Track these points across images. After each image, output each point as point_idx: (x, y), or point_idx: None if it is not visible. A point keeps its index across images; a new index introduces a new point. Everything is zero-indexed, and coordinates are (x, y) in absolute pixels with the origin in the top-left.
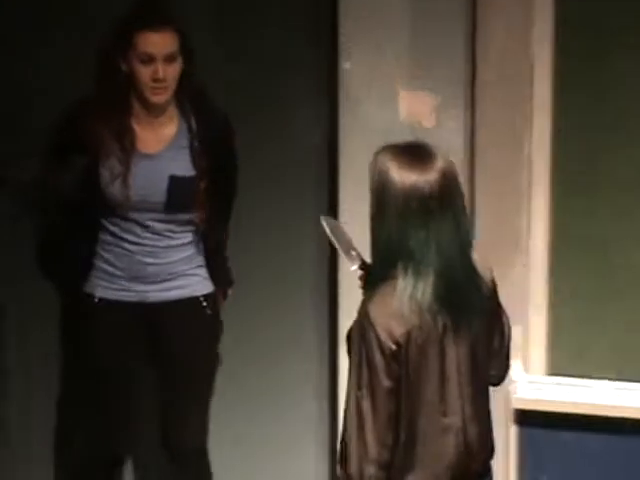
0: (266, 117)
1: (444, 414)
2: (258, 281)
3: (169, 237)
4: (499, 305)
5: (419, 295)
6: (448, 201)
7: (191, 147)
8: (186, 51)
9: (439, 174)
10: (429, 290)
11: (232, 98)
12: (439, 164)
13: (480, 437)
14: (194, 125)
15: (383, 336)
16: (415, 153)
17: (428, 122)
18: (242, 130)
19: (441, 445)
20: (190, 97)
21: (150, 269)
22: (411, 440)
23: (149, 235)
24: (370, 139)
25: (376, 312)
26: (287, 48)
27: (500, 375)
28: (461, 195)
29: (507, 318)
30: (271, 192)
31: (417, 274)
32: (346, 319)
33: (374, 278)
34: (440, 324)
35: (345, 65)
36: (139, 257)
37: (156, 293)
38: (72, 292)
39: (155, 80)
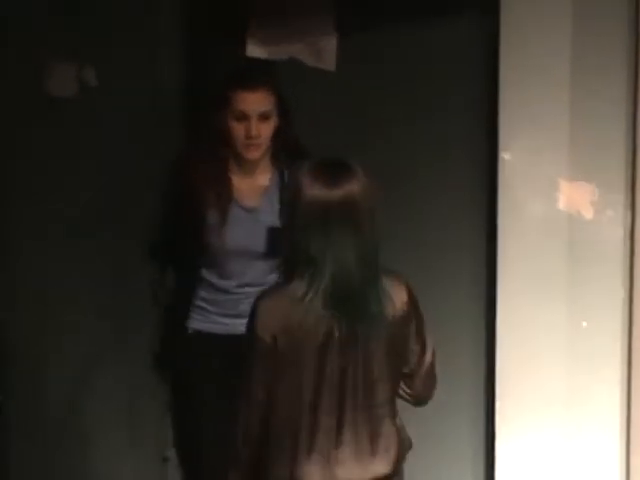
0: (426, 201)
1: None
2: None
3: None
4: (418, 325)
5: (308, 297)
6: (349, 218)
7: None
8: (282, 109)
9: (345, 193)
10: (319, 295)
11: (394, 183)
12: (349, 185)
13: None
14: (286, 177)
15: (260, 328)
16: (331, 171)
17: (587, 212)
18: (400, 214)
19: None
20: (286, 150)
21: (242, 307)
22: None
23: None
24: (528, 228)
25: (263, 306)
26: (447, 136)
27: (418, 395)
28: (367, 215)
29: (430, 341)
30: (434, 279)
31: (312, 279)
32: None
33: (280, 279)
34: (324, 328)
35: (504, 155)
36: (234, 300)
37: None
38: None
39: (248, 137)
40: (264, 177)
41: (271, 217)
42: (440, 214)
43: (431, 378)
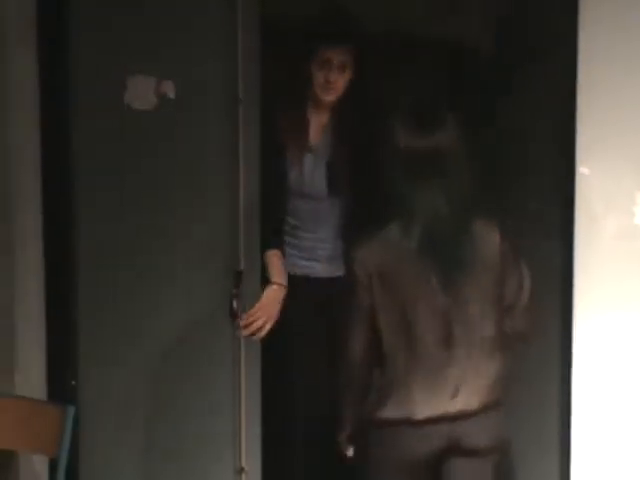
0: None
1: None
2: None
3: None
4: (513, 262)
5: (404, 243)
6: (441, 166)
7: (339, 136)
8: (357, 65)
9: (436, 141)
10: (414, 240)
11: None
12: (440, 133)
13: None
14: (346, 118)
15: (358, 268)
16: (423, 120)
17: None
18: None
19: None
20: (353, 100)
21: (320, 252)
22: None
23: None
24: (605, 242)
25: (358, 250)
26: (527, 151)
27: (521, 330)
28: (458, 163)
29: (527, 277)
30: None
31: (406, 226)
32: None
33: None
34: (420, 273)
35: (582, 170)
36: (311, 245)
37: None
38: None
39: (327, 82)
40: (326, 116)
41: (327, 153)
42: (518, 227)
43: (531, 312)
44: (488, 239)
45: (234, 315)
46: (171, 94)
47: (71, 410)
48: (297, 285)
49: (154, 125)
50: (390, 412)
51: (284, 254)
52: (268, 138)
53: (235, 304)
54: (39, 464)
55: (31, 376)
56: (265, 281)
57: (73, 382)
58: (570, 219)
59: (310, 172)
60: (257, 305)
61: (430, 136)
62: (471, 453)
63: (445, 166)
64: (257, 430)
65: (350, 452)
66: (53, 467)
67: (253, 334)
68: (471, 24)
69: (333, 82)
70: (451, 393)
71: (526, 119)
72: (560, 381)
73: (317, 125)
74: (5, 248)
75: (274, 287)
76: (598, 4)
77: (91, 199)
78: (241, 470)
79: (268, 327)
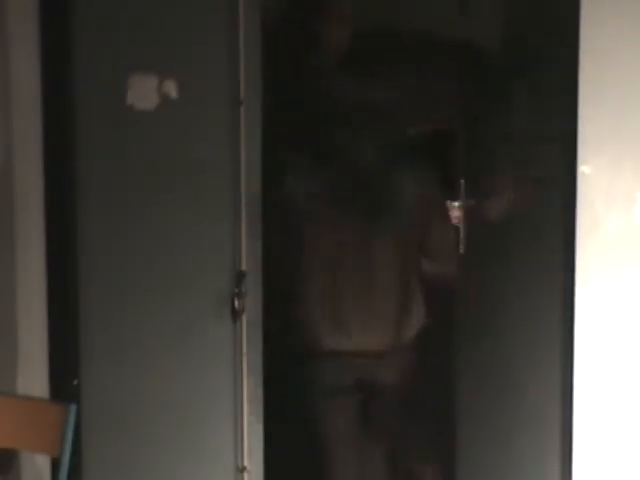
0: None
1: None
2: None
3: None
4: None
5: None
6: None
7: None
8: None
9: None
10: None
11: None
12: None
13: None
14: None
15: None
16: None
17: None
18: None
19: None
20: None
21: None
22: None
23: None
24: (607, 242)
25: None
26: (526, 152)
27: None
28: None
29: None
30: (512, 293)
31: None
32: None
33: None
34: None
35: (584, 169)
36: None
37: None
38: None
39: None
40: None
41: None
42: (518, 228)
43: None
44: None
45: (236, 315)
46: (173, 94)
47: (73, 409)
48: None
49: (156, 125)
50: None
51: None
52: None
53: (237, 304)
54: (41, 463)
55: (33, 375)
56: (267, 281)
57: (75, 381)
58: (572, 218)
59: None
60: None
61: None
62: (382, 390)
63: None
64: (259, 429)
65: None
66: (55, 466)
67: None
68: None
69: None
70: (362, 329)
71: (528, 118)
72: (561, 386)
73: None
74: (7, 246)
75: None
76: (600, 3)
77: (93, 198)
78: (243, 469)
79: None
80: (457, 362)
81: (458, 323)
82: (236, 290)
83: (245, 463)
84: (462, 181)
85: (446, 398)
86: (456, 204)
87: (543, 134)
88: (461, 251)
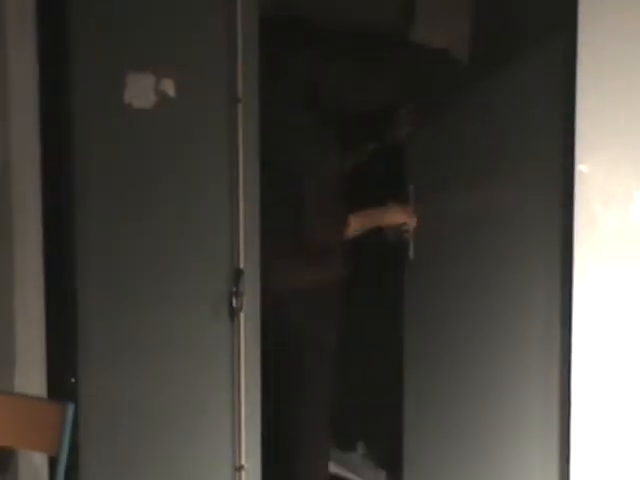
0: (502, 213)
1: None
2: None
3: None
4: None
5: None
6: None
7: None
8: None
9: None
10: None
11: (472, 194)
12: None
13: None
14: None
15: None
16: None
17: None
18: (478, 225)
19: None
20: None
21: None
22: None
23: None
24: (604, 241)
25: None
26: (525, 148)
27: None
28: None
29: None
30: (510, 291)
31: None
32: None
33: None
34: None
35: (581, 168)
36: None
37: None
38: None
39: None
40: None
41: None
42: (516, 227)
43: None
44: None
45: (234, 313)
46: (171, 92)
47: (71, 408)
48: None
49: (153, 123)
50: None
51: None
52: None
53: (235, 302)
54: (39, 462)
55: (31, 374)
56: (265, 279)
57: (73, 379)
58: (569, 217)
59: None
60: None
61: None
62: None
63: None
64: (257, 428)
65: None
66: (53, 465)
67: None
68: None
69: None
70: None
71: (525, 115)
72: (559, 380)
73: None
74: (5, 245)
75: None
76: (599, 2)
77: (91, 197)
78: (240, 468)
79: None
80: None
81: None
82: (234, 288)
83: (242, 462)
84: (411, 186)
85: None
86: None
87: (539, 133)
88: (410, 257)
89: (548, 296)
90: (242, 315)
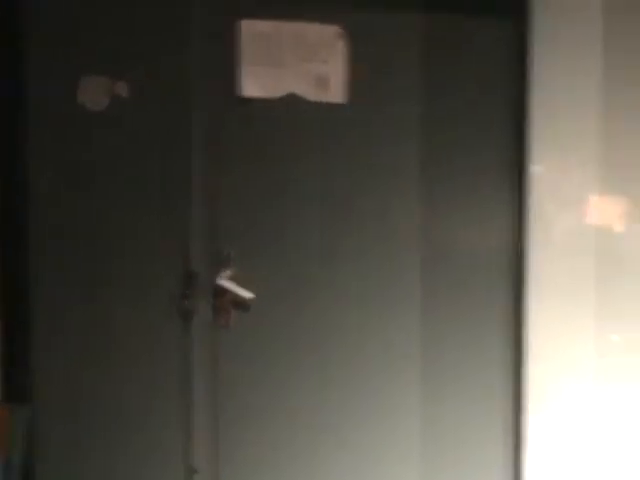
0: (456, 214)
1: None
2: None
3: None
4: None
5: None
6: None
7: None
8: None
9: None
10: None
11: (425, 194)
12: None
13: None
14: None
15: None
16: None
17: (616, 226)
18: (432, 224)
19: None
20: None
21: None
22: None
23: None
24: (557, 242)
25: None
26: (478, 150)
27: None
28: None
29: None
30: (459, 294)
31: None
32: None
33: None
34: None
35: (534, 169)
36: None
37: None
38: None
39: None
40: None
41: None
42: (470, 227)
43: None
44: None
45: (186, 316)
46: (124, 94)
47: (24, 410)
48: None
49: (107, 126)
50: None
51: None
52: None
53: (187, 305)
54: None
55: None
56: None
57: (27, 382)
58: (523, 217)
59: None
60: None
61: None
62: None
63: None
64: (211, 431)
65: None
66: (6, 468)
67: None
68: None
69: None
70: None
71: (477, 118)
72: (512, 386)
73: None
74: None
75: None
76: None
77: (44, 197)
78: (194, 471)
79: None
80: None
81: None
82: (186, 291)
83: (197, 464)
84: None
85: None
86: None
87: (494, 134)
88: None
89: (501, 294)
90: (195, 317)
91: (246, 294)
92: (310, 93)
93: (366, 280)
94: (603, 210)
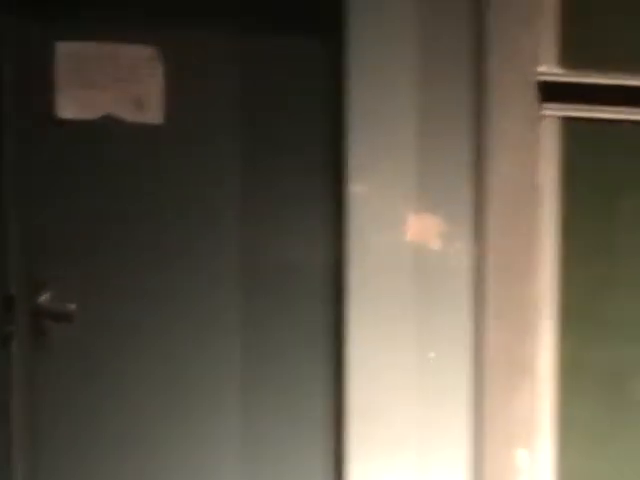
0: (274, 232)
1: None
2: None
3: None
4: None
5: None
6: None
7: None
8: None
9: None
10: None
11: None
12: None
13: None
14: None
15: None
16: None
17: (434, 244)
18: (253, 242)
19: None
20: None
21: None
22: None
23: None
24: (376, 262)
25: None
26: (296, 170)
27: None
28: None
29: None
30: (280, 312)
31: None
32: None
33: None
34: None
35: (352, 188)
36: None
37: None
38: None
39: None
40: None
41: None
42: (290, 248)
43: None
44: None
45: (5, 343)
46: None
47: None
48: None
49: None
50: None
51: None
52: None
53: (7, 330)
54: None
55: None
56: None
57: None
58: (343, 237)
59: None
60: None
61: None
62: None
63: None
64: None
65: None
66: None
67: None
68: None
69: None
70: None
71: (296, 138)
72: (333, 403)
73: None
74: None
75: None
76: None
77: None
78: None
79: None
80: None
81: None
82: (5, 316)
83: None
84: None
85: None
86: None
87: (311, 152)
88: None
89: (321, 314)
90: (14, 342)
91: (66, 310)
92: (127, 114)
93: (187, 293)
94: (421, 228)
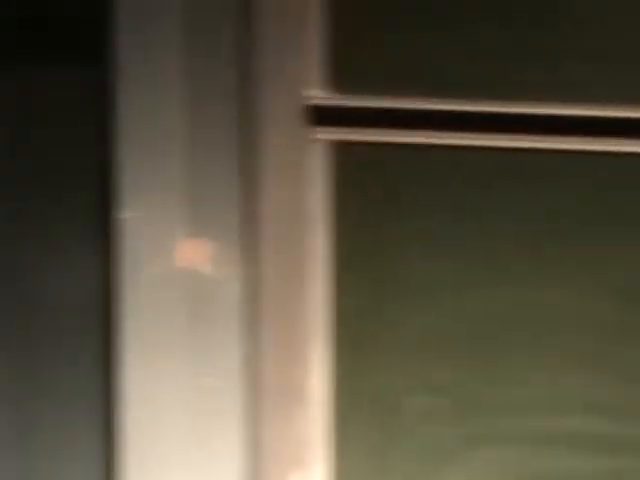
0: (36, 262)
1: None
2: None
3: None
4: None
5: None
6: None
7: None
8: None
9: None
10: None
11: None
12: None
13: None
14: None
15: None
16: None
17: (204, 269)
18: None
19: None
20: None
21: None
22: None
23: None
24: (147, 287)
25: None
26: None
27: None
28: None
29: None
30: (48, 346)
31: None
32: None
33: None
34: None
35: (121, 214)
36: None
37: None
38: None
39: None
40: None
41: None
42: (58, 283)
43: None
44: None
45: None
46: None
47: None
48: None
49: None
50: None
51: None
52: None
53: None
54: None
55: None
56: None
57: None
58: (113, 265)
59: None
60: None
61: None
62: None
63: None
64: None
65: None
66: None
67: None
68: None
69: None
70: None
71: (62, 167)
72: (104, 438)
73: None
74: None
75: None
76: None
77: None
78: None
79: None
80: None
81: None
82: None
83: None
84: None
85: None
86: None
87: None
88: None
89: (93, 343)
90: None
91: None
92: None
93: None
94: (192, 254)
